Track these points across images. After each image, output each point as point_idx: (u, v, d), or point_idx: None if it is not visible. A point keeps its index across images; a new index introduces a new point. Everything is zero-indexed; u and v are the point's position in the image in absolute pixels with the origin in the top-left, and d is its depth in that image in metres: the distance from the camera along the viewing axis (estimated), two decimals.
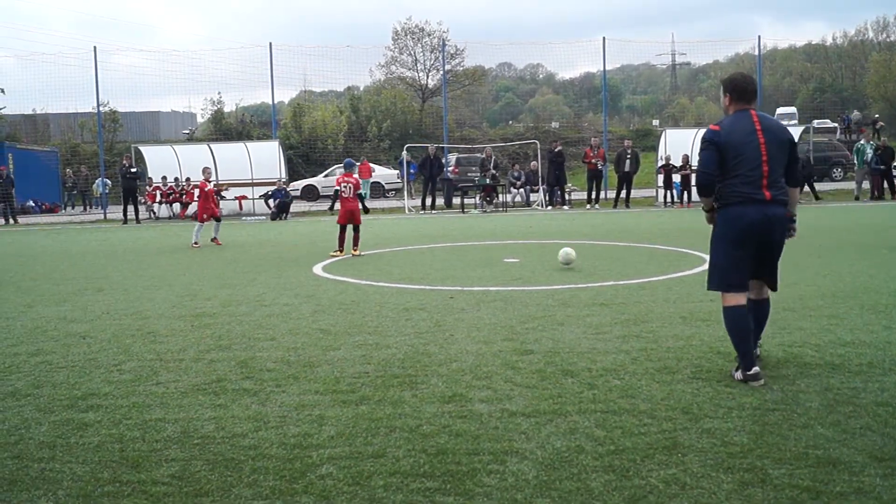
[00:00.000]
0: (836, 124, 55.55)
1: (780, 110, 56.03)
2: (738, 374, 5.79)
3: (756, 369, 5.71)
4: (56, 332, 8.33)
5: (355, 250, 14.91)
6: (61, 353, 7.31)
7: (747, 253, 5.85)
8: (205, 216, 19.01)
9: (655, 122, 57.97)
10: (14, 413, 5.53)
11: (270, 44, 35.01)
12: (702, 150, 5.93)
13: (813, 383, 5.64)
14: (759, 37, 36.73)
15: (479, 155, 35.72)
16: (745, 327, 5.84)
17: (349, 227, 15.20)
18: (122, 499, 4.03)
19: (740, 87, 5.94)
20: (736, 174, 5.77)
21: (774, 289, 6.19)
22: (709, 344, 6.88)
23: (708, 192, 5.92)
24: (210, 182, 19.39)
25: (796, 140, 27.52)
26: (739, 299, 5.89)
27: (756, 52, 38.94)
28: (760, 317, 6.20)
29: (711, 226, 6.04)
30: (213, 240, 18.99)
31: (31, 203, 38.80)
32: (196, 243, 18.48)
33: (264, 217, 29.64)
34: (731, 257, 5.86)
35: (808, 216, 18.33)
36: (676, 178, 29.37)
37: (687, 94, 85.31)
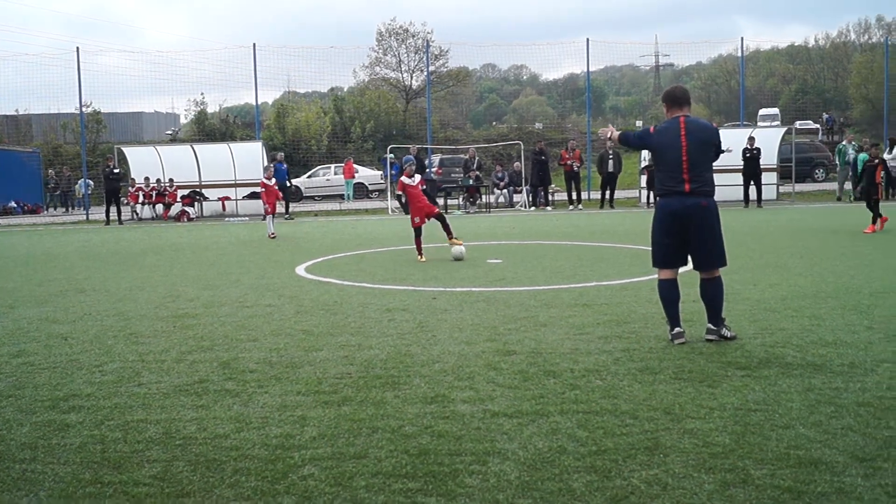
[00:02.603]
0: (817, 125, 55.86)
1: (762, 111, 56.29)
2: (669, 336, 7.01)
3: (678, 329, 6.97)
4: (38, 334, 8.29)
5: (454, 239, 14.09)
6: (43, 355, 7.27)
7: (673, 237, 6.96)
8: (267, 208, 20.59)
9: (639, 123, 58.06)
10: None
11: (254, 44, 34.96)
12: (638, 135, 7.57)
13: (795, 384, 5.67)
14: (742, 38, 37.17)
15: (462, 156, 35.75)
16: (669, 297, 7.06)
17: (424, 226, 14.35)
18: (104, 500, 4.02)
19: (671, 95, 7.11)
20: (661, 169, 7.02)
21: (709, 267, 7.01)
22: (690, 344, 6.91)
23: (622, 142, 7.67)
24: (271, 179, 20.77)
25: (779, 139, 27.32)
26: (667, 274, 7.11)
27: (739, 54, 39.15)
28: (710, 294, 7.02)
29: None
30: (271, 235, 20.35)
31: (13, 204, 38.59)
32: (273, 234, 20.38)
33: (247, 218, 29.56)
34: (659, 240, 7.08)
35: (790, 217, 18.43)
36: None
37: None
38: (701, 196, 6.85)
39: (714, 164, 7.12)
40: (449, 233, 14.10)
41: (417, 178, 14.64)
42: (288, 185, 30.23)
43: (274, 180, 21.24)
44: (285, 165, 30.01)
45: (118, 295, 10.85)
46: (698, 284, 7.18)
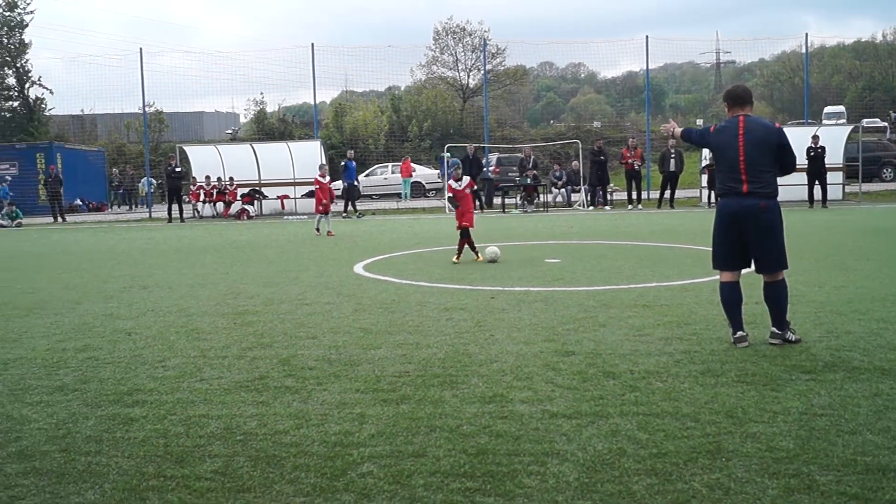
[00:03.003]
0: (885, 123, 54.55)
1: (827, 109, 55.13)
2: (731, 339, 6.92)
3: (741, 333, 6.85)
4: (102, 329, 8.45)
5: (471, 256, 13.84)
6: (108, 349, 7.41)
7: (732, 238, 6.86)
8: (320, 207, 20.93)
9: (699, 122, 57.28)
10: (62, 407, 5.61)
11: (312, 44, 35.25)
12: (699, 133, 7.36)
13: (862, 388, 5.54)
14: (807, 34, 36.19)
15: (519, 155, 35.62)
16: (730, 299, 6.94)
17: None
18: (167, 493, 4.07)
19: (732, 94, 7.04)
20: (720, 169, 6.93)
21: (770, 270, 6.86)
22: (753, 347, 6.79)
23: (684, 138, 7.57)
24: (325, 178, 21.24)
25: (844, 137, 26.80)
26: (727, 276, 6.99)
27: (803, 50, 38.40)
28: (773, 297, 6.87)
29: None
30: (328, 233, 20.76)
31: (79, 202, 39.45)
32: (321, 231, 20.90)
33: (306, 216, 29.82)
34: (719, 241, 6.97)
35: (856, 217, 18.04)
36: None
37: None
38: (760, 197, 6.72)
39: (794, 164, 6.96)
40: (472, 248, 13.88)
41: (466, 180, 14.39)
42: (356, 183, 30.38)
43: (328, 178, 21.57)
44: (354, 164, 30.05)
45: (180, 291, 11.01)
46: (762, 287, 7.05)
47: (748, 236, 6.79)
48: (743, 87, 7.12)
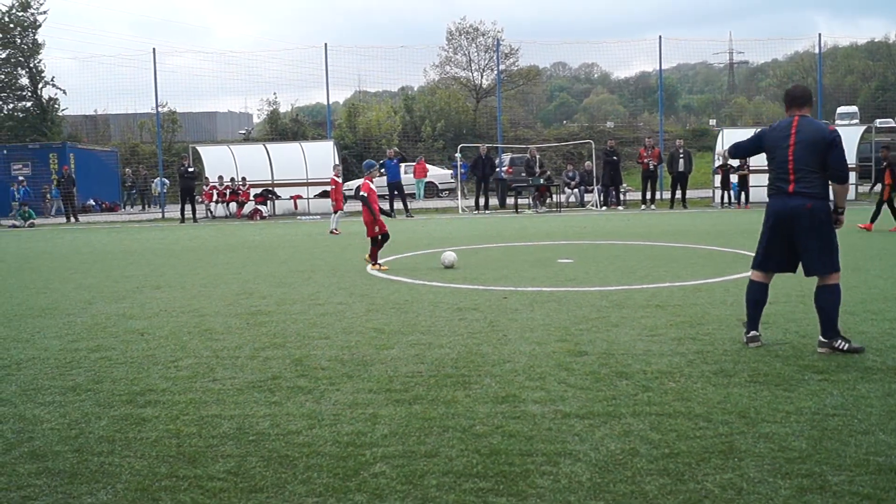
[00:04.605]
0: None
1: (840, 109, 54.90)
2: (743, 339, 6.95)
3: (754, 333, 6.87)
4: (115, 329, 8.48)
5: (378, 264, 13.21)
6: (120, 350, 7.44)
7: (776, 238, 6.80)
8: (335, 205, 21.50)
9: (712, 122, 57.20)
10: (75, 407, 5.64)
11: (325, 44, 35.24)
12: (752, 138, 7.15)
13: (874, 388, 5.52)
14: (820, 35, 36.02)
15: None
16: (754, 298, 6.93)
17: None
18: (179, 493, 4.08)
19: (789, 94, 6.95)
20: (771, 168, 6.84)
21: (817, 272, 6.70)
22: (766, 347, 6.77)
23: (733, 155, 7.42)
24: (340, 176, 21.85)
25: (857, 138, 26.62)
26: (759, 276, 6.99)
27: (816, 51, 38.26)
28: (820, 302, 6.70)
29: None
30: (334, 230, 21.20)
31: (92, 202, 39.59)
32: (334, 230, 21.25)
33: (319, 216, 29.85)
34: (763, 241, 6.93)
35: (868, 217, 17.94)
36: (734, 178, 28.98)
37: (745, 93, 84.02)
38: (806, 197, 6.56)
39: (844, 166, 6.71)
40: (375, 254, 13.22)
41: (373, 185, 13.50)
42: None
43: (341, 178, 22.16)
44: (395, 161, 29.68)
45: (193, 292, 11.05)
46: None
47: (794, 237, 6.68)
48: (801, 88, 7.00)
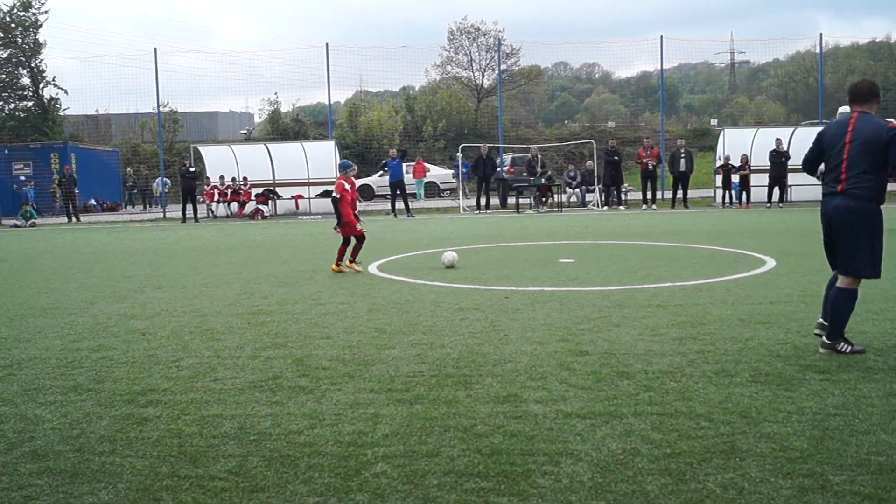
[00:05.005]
0: None
1: (842, 109, 54.80)
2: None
3: (820, 321, 6.80)
4: (116, 329, 8.49)
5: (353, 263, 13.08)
6: (122, 349, 7.44)
7: (826, 237, 6.73)
8: None
9: (714, 122, 57.12)
10: (76, 407, 5.64)
11: (327, 44, 35.26)
12: (814, 142, 6.88)
13: (875, 388, 5.52)
14: (821, 34, 36.05)
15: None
16: (827, 288, 6.83)
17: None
18: (181, 493, 4.09)
19: (850, 90, 6.76)
20: (826, 167, 6.69)
21: (843, 272, 6.56)
22: (767, 347, 6.77)
23: (809, 171, 7.14)
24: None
25: None
26: (834, 276, 6.77)
27: (817, 50, 38.28)
28: (831, 303, 6.59)
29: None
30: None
31: (93, 202, 39.58)
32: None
33: (320, 216, 29.84)
34: (825, 241, 6.81)
35: None
36: (735, 178, 28.97)
37: (746, 92, 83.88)
38: (851, 198, 6.38)
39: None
40: (345, 255, 12.99)
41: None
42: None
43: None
44: (397, 160, 29.70)
45: (194, 291, 11.05)
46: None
47: (832, 235, 6.62)
48: (865, 84, 6.76)
